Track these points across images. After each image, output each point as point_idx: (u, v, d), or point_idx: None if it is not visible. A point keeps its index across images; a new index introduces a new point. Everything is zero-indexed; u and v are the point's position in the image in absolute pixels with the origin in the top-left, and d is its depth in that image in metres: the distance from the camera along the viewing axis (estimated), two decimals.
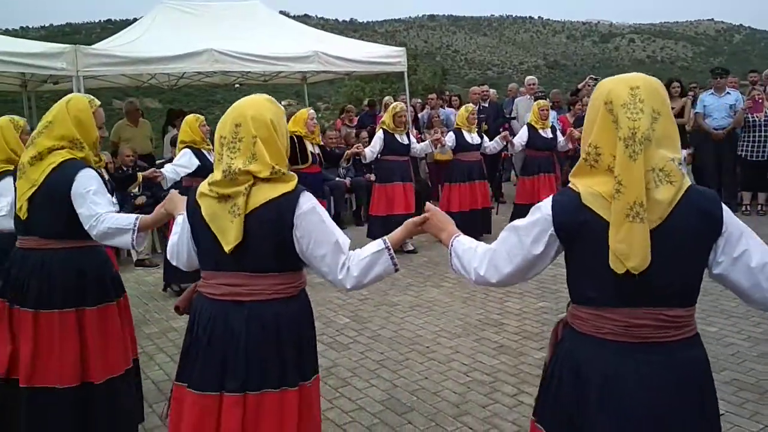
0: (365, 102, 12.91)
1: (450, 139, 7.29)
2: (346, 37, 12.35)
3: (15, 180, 2.71)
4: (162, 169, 5.11)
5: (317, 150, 6.60)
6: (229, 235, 1.90)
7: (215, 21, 9.20)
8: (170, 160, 6.06)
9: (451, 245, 1.89)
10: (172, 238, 2.14)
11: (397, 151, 6.94)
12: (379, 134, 6.95)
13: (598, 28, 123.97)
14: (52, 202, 2.57)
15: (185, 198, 2.18)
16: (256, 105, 1.97)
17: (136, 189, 6.44)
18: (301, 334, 2.04)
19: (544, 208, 1.64)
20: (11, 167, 2.97)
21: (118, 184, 5.35)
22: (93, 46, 7.62)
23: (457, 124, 7.45)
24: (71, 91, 7.17)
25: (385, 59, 9.64)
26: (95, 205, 2.53)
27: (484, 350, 4.16)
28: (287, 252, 1.94)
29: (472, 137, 7.28)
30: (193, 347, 2.01)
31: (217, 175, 1.94)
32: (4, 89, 9.47)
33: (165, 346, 4.51)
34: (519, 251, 1.68)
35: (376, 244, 2.00)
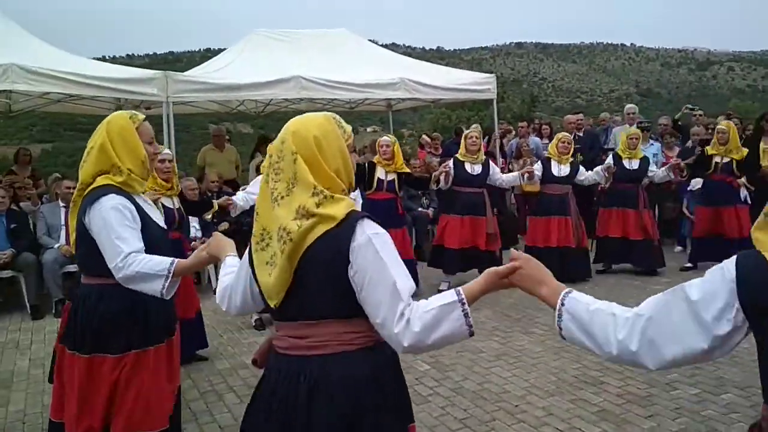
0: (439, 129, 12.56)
1: (538, 169, 6.80)
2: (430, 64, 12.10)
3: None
4: (234, 197, 4.95)
5: (390, 177, 6.18)
6: (270, 291, 1.61)
7: (304, 48, 9.20)
8: None
9: (562, 304, 1.46)
10: (224, 279, 1.88)
11: (466, 181, 6.43)
12: (449, 162, 6.53)
13: (694, 56, 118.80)
14: (79, 234, 2.35)
15: (231, 241, 2.03)
16: (303, 120, 1.69)
17: (211, 216, 6.37)
18: (386, 395, 1.64)
19: (726, 272, 1.23)
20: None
21: (195, 211, 5.24)
22: (183, 73, 7.74)
23: (549, 154, 6.95)
24: (162, 116, 7.41)
25: (474, 86, 9.37)
26: (121, 241, 2.20)
27: (582, 414, 3.66)
28: (348, 294, 1.58)
29: (560, 168, 6.75)
30: (257, 407, 1.72)
31: (264, 205, 1.65)
32: (101, 113, 9.76)
33: (236, 384, 4.28)
34: (693, 328, 1.25)
35: (448, 295, 1.54)
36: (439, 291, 6.31)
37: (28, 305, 6.08)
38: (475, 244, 6.37)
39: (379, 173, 6.13)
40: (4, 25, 7.59)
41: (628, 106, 9.63)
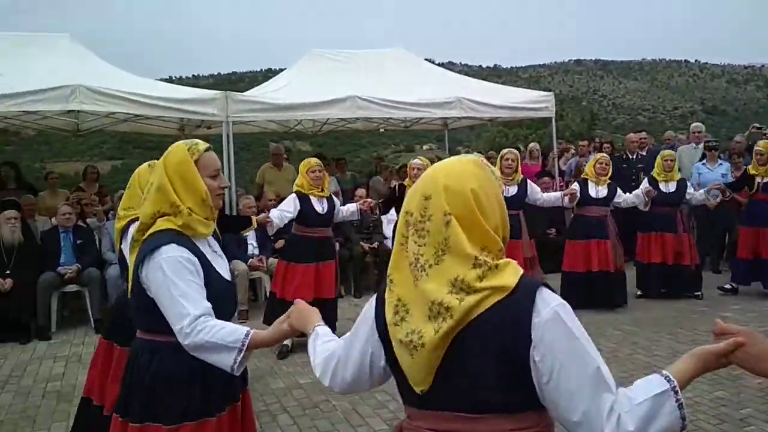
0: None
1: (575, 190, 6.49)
2: (490, 82, 12.00)
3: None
4: (270, 214, 5.00)
5: None
6: (416, 374, 1.32)
7: (360, 68, 9.28)
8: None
9: None
10: (326, 348, 1.59)
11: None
12: None
13: (762, 72, 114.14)
14: (134, 284, 2.02)
15: (315, 309, 1.77)
16: (453, 170, 1.35)
17: (249, 234, 6.42)
18: None
19: None
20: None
21: (233, 227, 5.25)
22: (242, 93, 7.90)
23: (585, 174, 6.64)
24: (221, 136, 7.59)
25: (532, 104, 9.25)
26: (186, 300, 1.87)
27: None
28: (519, 382, 1.27)
29: (597, 190, 6.44)
30: None
31: (399, 271, 1.36)
32: (166, 132, 10.13)
33: (289, 405, 4.26)
34: None
35: (656, 382, 1.26)
36: None
37: (92, 319, 6.27)
38: None
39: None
40: (72, 47, 7.96)
41: (695, 124, 9.26)
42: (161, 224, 1.98)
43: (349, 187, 9.00)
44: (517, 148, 11.57)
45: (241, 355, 1.84)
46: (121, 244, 2.95)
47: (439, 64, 13.26)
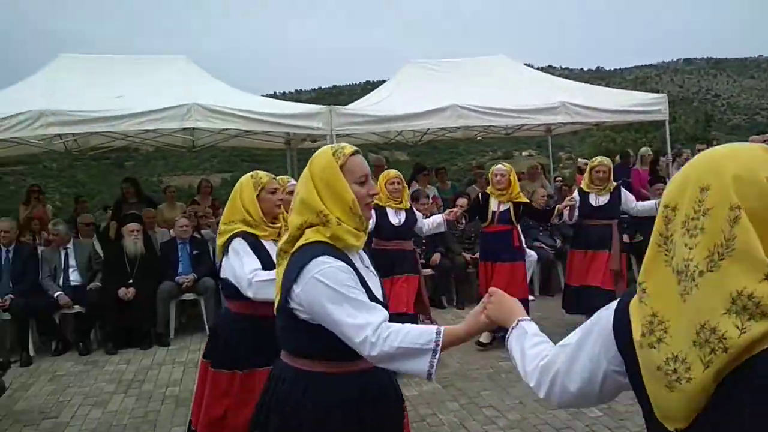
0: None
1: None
2: (594, 85, 11.54)
3: (247, 242, 2.74)
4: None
5: (503, 207, 5.65)
6: (671, 411, 1.04)
7: (459, 76, 9.19)
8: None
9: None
10: (537, 352, 1.41)
11: (589, 213, 5.77)
12: (575, 195, 5.89)
13: None
14: (282, 304, 1.84)
15: (516, 301, 1.61)
16: (744, 156, 1.05)
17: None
18: None
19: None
20: (245, 228, 2.80)
21: None
22: (345, 107, 8.04)
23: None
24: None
25: (642, 107, 8.76)
26: (362, 309, 1.69)
27: None
28: None
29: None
30: None
31: (655, 278, 1.09)
32: (273, 147, 10.51)
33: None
34: None
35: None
36: None
37: (207, 327, 6.56)
38: (590, 281, 5.69)
39: (493, 204, 5.69)
40: (188, 68, 8.41)
41: None
42: (310, 235, 1.81)
43: (450, 196, 8.92)
44: (627, 153, 11.14)
45: (436, 357, 1.65)
46: (222, 259, 2.82)
47: (538, 69, 12.90)
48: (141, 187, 8.76)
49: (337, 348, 1.74)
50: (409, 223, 5.22)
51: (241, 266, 2.65)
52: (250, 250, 2.72)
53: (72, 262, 6.46)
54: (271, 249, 2.70)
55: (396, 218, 5.16)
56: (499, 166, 5.83)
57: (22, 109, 6.16)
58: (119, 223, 7.08)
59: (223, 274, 2.82)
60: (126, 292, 6.21)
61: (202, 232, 7.53)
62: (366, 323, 1.67)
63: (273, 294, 1.94)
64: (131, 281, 6.34)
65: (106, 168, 31.64)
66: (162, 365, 5.67)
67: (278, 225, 2.91)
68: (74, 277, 6.44)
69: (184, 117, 6.64)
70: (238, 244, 2.74)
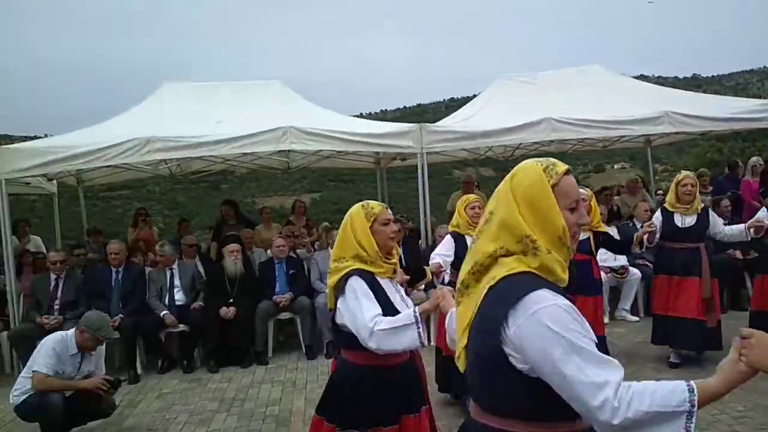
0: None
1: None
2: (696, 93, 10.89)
3: (364, 281, 2.43)
4: (434, 260, 4.43)
5: (584, 235, 4.98)
6: None
7: (552, 89, 8.94)
8: None
9: None
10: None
11: (674, 235, 5.29)
12: (654, 221, 5.38)
13: None
14: (483, 347, 1.51)
15: None
16: None
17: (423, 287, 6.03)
18: None
19: None
20: (359, 265, 2.48)
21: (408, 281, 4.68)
22: (435, 124, 7.99)
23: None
24: (416, 167, 7.75)
25: (750, 114, 8.14)
26: (593, 363, 1.38)
27: None
28: None
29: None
30: None
31: None
32: (363, 167, 10.62)
33: None
34: None
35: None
36: (670, 364, 5.39)
37: (303, 345, 6.63)
38: (679, 312, 5.19)
39: None
40: (283, 92, 8.64)
41: None
42: (514, 265, 1.52)
43: None
44: (735, 163, 10.40)
45: (692, 420, 1.35)
46: (336, 302, 2.50)
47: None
48: (240, 209, 9.05)
49: (562, 408, 1.42)
50: None
51: (360, 312, 2.37)
52: (370, 292, 2.43)
53: (177, 282, 6.72)
54: (388, 288, 2.54)
55: None
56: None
57: (131, 136, 6.50)
58: (219, 244, 7.32)
59: (339, 320, 2.51)
60: (227, 312, 6.38)
61: (297, 251, 7.66)
62: (604, 382, 1.36)
63: (399, 345, 2.16)
64: (232, 300, 6.51)
65: (204, 190, 33.14)
66: (261, 384, 5.75)
67: (393, 261, 2.63)
68: (179, 296, 6.69)
69: (280, 140, 6.79)
70: (357, 284, 2.44)
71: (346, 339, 2.51)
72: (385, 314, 2.39)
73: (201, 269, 7.05)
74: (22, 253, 7.39)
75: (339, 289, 2.48)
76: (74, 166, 6.83)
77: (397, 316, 2.35)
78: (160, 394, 5.65)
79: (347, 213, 2.64)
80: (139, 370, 6.24)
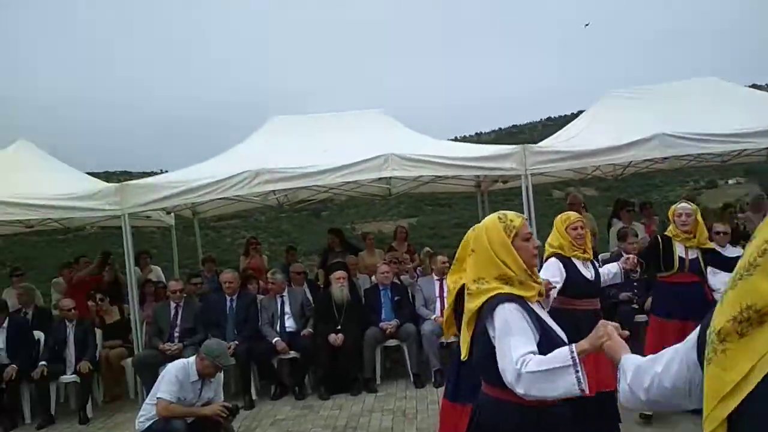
0: None
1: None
2: None
3: (518, 308, 2.11)
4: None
5: (692, 254, 4.77)
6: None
7: (661, 103, 8.49)
8: (617, 257, 5.44)
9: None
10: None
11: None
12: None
13: None
14: None
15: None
16: None
17: None
18: None
19: None
20: (505, 288, 2.16)
21: None
22: (538, 145, 7.78)
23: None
24: (519, 189, 7.56)
25: None
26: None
27: None
28: None
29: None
30: None
31: None
32: (463, 191, 10.52)
33: None
34: None
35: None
36: None
37: (411, 373, 6.57)
38: None
39: (678, 250, 4.81)
40: (384, 120, 8.74)
41: None
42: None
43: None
44: None
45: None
46: (475, 328, 2.24)
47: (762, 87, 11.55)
48: (345, 237, 9.19)
49: None
50: (599, 275, 4.27)
51: (509, 348, 2.02)
52: (524, 323, 2.09)
53: (287, 309, 6.88)
54: (542, 313, 2.23)
55: (587, 271, 4.17)
56: (682, 204, 4.93)
57: (242, 168, 6.77)
58: (326, 271, 7.45)
59: (480, 352, 2.20)
60: (335, 339, 6.45)
61: (401, 277, 7.65)
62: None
63: (552, 391, 1.89)
64: (339, 327, 6.58)
65: (306, 218, 34.16)
66: (372, 412, 5.74)
67: (540, 281, 2.30)
68: (289, 323, 6.84)
69: (381, 167, 6.86)
70: (509, 313, 2.09)
71: (487, 371, 2.16)
72: (547, 345, 2.06)
73: (309, 296, 7.19)
74: (144, 283, 7.86)
75: (483, 316, 2.16)
76: (190, 200, 7.20)
77: (549, 355, 1.98)
78: (274, 421, 5.76)
79: (477, 227, 2.34)
80: (253, 396, 6.40)
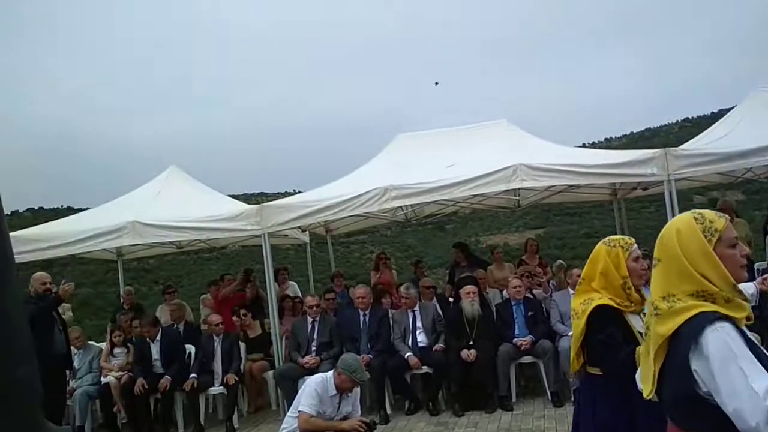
0: None
1: None
2: None
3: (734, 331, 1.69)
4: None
5: None
6: None
7: None
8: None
9: None
10: None
11: None
12: None
13: None
14: None
15: None
16: None
17: None
18: None
19: None
20: (715, 308, 1.71)
21: None
22: (682, 147, 7.29)
23: None
24: (661, 196, 7.09)
25: None
26: None
27: None
28: None
29: None
30: None
31: None
32: (596, 199, 10.07)
33: None
34: None
35: None
36: None
37: (548, 392, 6.32)
38: None
39: None
40: (510, 130, 8.56)
41: None
42: None
43: None
44: None
45: None
46: (667, 355, 1.81)
47: None
48: (470, 251, 9.09)
49: None
50: None
51: (742, 380, 1.56)
52: (748, 352, 1.62)
53: (419, 323, 6.89)
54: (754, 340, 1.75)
55: None
56: None
57: (371, 186, 6.91)
58: (453, 286, 7.39)
59: (675, 391, 1.75)
60: (468, 354, 6.35)
61: (534, 292, 7.41)
62: None
63: None
64: (471, 342, 6.48)
65: (430, 231, 34.25)
66: (509, 431, 5.57)
67: (749, 298, 1.89)
68: (421, 338, 6.84)
69: (510, 178, 6.71)
70: (728, 336, 1.64)
71: (698, 420, 1.70)
72: None
73: (440, 311, 7.16)
74: (283, 298, 8.20)
75: (682, 343, 1.70)
76: (324, 218, 7.45)
77: None
78: None
79: (669, 228, 1.88)
80: (388, 411, 6.45)
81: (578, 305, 2.82)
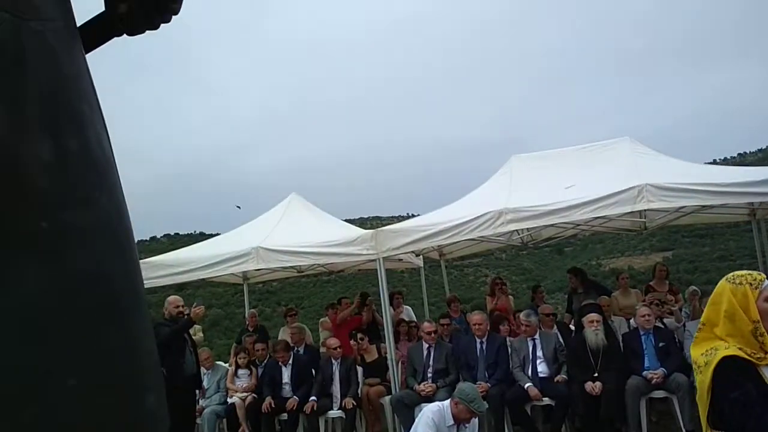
0: None
1: None
2: None
3: None
4: None
5: None
6: None
7: None
8: None
9: None
10: None
11: None
12: None
13: None
14: None
15: None
16: None
17: None
18: None
19: None
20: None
21: None
22: None
23: None
24: None
25: None
26: None
27: None
28: None
29: None
30: None
31: None
32: (732, 220, 9.32)
33: None
34: None
35: None
36: None
37: (683, 429, 5.84)
38: None
39: None
40: (633, 148, 8.13)
41: None
42: None
43: None
44: None
45: None
46: None
47: None
48: (586, 276, 8.69)
49: None
50: None
51: None
52: None
53: (539, 353, 6.63)
54: None
55: None
56: None
57: (485, 210, 6.79)
58: (573, 314, 7.06)
59: None
60: (593, 387, 6.01)
61: (665, 321, 6.92)
62: None
63: None
64: (596, 374, 6.14)
65: (548, 254, 33.26)
66: None
67: None
68: (542, 368, 6.56)
69: (635, 199, 6.35)
70: None
71: None
72: None
73: (561, 339, 6.85)
74: (398, 322, 8.22)
75: None
76: (438, 242, 7.41)
77: None
78: None
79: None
80: None
81: (699, 356, 2.37)
